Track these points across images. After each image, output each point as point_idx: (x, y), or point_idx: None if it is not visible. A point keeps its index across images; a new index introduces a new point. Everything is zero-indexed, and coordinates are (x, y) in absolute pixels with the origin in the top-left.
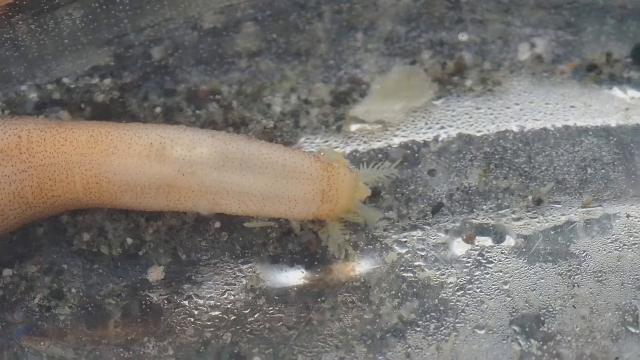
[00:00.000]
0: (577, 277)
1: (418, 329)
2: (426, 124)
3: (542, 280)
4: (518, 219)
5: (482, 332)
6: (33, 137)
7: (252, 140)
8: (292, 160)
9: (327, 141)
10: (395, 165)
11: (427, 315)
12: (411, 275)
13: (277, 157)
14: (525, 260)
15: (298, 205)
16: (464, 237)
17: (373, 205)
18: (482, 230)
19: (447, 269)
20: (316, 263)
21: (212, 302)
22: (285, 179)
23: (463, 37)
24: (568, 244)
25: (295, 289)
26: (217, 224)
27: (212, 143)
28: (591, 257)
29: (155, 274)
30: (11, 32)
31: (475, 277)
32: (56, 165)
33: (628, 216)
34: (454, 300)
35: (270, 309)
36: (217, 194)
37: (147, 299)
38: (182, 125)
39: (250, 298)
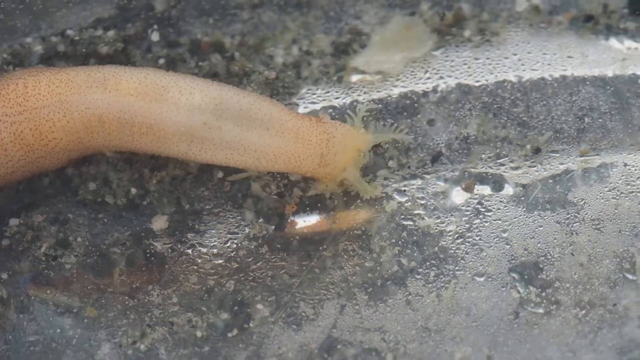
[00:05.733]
0: (575, 225)
1: (418, 277)
2: (425, 74)
3: (541, 228)
4: (516, 168)
5: (482, 279)
6: (29, 83)
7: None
8: (292, 122)
9: (328, 92)
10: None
11: (427, 263)
12: (411, 223)
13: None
14: (524, 209)
15: (283, 164)
16: (463, 186)
17: (374, 153)
18: (481, 179)
19: (446, 218)
20: (317, 212)
21: (215, 251)
22: (282, 138)
23: None
24: (566, 192)
25: (297, 237)
26: (220, 174)
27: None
28: (589, 206)
29: (159, 223)
30: None
31: (475, 226)
32: (51, 106)
33: (625, 165)
34: (454, 248)
35: (272, 257)
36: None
37: (152, 247)
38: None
39: (252, 246)
